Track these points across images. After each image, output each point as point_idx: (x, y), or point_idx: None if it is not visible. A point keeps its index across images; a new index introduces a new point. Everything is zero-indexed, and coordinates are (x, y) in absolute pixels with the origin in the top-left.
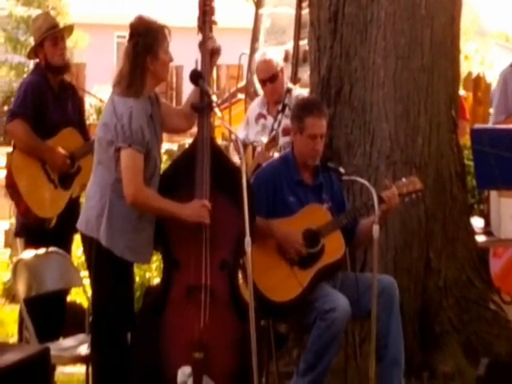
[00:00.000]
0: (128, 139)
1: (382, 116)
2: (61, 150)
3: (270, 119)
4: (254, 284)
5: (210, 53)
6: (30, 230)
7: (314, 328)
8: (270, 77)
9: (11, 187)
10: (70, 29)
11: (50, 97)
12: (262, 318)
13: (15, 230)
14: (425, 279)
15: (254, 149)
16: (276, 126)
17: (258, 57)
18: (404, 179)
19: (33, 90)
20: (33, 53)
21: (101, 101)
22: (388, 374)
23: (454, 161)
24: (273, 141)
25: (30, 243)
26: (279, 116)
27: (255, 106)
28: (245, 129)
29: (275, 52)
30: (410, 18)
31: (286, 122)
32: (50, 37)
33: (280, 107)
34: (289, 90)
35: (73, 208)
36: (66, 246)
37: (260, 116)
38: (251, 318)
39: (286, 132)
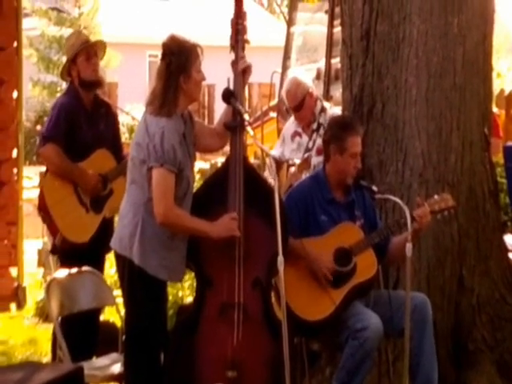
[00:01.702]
0: (160, 159)
1: (414, 134)
2: (93, 173)
3: (305, 138)
4: (287, 303)
5: (242, 71)
6: (64, 249)
7: (346, 346)
8: (295, 107)
9: (43, 211)
10: (102, 45)
11: (82, 117)
12: (295, 336)
13: (51, 247)
14: (458, 297)
15: (289, 166)
16: (311, 145)
17: (286, 82)
18: (436, 196)
19: (66, 112)
20: (66, 71)
21: (133, 118)
22: None
23: (486, 178)
24: (305, 162)
25: (64, 261)
26: (314, 135)
27: (291, 123)
28: (280, 146)
29: (303, 73)
30: (443, 37)
31: (320, 141)
32: (83, 52)
33: (315, 126)
34: (323, 109)
35: (106, 227)
36: (100, 265)
37: (296, 134)
38: (284, 336)
39: (320, 151)
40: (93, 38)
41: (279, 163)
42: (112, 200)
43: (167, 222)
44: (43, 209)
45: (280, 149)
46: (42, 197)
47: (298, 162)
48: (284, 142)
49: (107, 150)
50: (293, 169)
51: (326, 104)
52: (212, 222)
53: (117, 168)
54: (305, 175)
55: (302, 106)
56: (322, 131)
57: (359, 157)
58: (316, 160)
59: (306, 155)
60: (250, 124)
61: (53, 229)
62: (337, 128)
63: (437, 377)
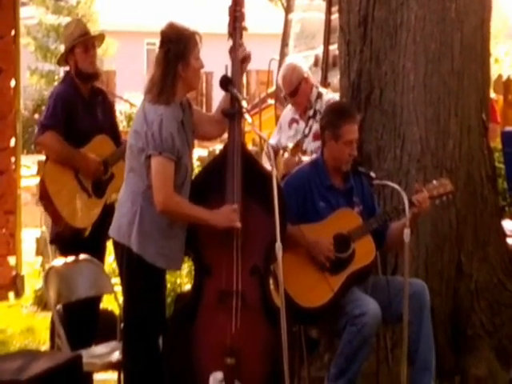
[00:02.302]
0: (158, 147)
1: (412, 120)
2: (93, 157)
3: (302, 124)
4: (285, 289)
5: (240, 59)
6: (65, 238)
7: (344, 333)
8: (290, 92)
9: (45, 199)
10: (101, 37)
11: (80, 105)
12: (294, 323)
13: (50, 237)
14: (456, 283)
15: (284, 152)
16: (307, 131)
17: (282, 68)
18: (435, 181)
19: (63, 100)
20: (63, 59)
21: (131, 105)
22: (419, 379)
23: (484, 164)
24: (297, 146)
25: (64, 251)
26: (310, 121)
27: (288, 111)
28: (277, 134)
29: (300, 59)
30: (440, 22)
31: (316, 126)
32: (82, 43)
33: (311, 113)
34: (319, 95)
35: (106, 215)
36: (100, 253)
37: (293, 121)
38: (282, 323)
39: (316, 137)
40: (91, 27)
41: (276, 151)
42: (113, 184)
43: (167, 209)
44: (45, 197)
45: (277, 136)
46: (43, 185)
47: (290, 145)
48: (281, 129)
49: (106, 135)
50: (286, 155)
51: (323, 90)
52: (212, 211)
53: (116, 152)
54: (298, 158)
55: (297, 92)
56: (318, 117)
57: (355, 144)
58: (313, 145)
59: (297, 138)
60: (248, 111)
61: (56, 217)
62: (332, 115)
63: (435, 362)
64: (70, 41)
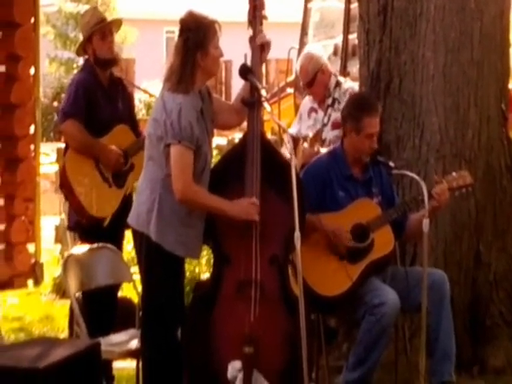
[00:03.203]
0: (177, 135)
1: (431, 109)
2: (114, 148)
3: (320, 113)
4: (304, 279)
5: (259, 47)
6: (84, 226)
7: (363, 322)
8: (307, 83)
9: (66, 188)
10: (118, 23)
11: (100, 94)
12: (312, 312)
13: (68, 224)
14: (475, 272)
15: (305, 139)
16: (326, 120)
17: (299, 57)
18: (454, 173)
19: (84, 89)
20: (81, 49)
21: (150, 95)
22: (438, 368)
23: (503, 154)
24: (317, 136)
25: (84, 238)
26: (329, 110)
27: (307, 100)
28: (298, 123)
29: (318, 49)
30: (460, 12)
31: (335, 115)
32: (99, 31)
33: (330, 101)
34: (338, 84)
35: (126, 204)
36: (119, 241)
37: (312, 110)
38: (301, 312)
39: (335, 126)
40: (109, 15)
41: (296, 140)
42: (134, 175)
43: (186, 198)
44: (66, 186)
45: (297, 126)
46: (63, 174)
47: (310, 135)
48: (301, 119)
49: (126, 125)
50: (305, 145)
51: (341, 79)
52: (231, 202)
53: (137, 143)
54: (317, 148)
55: (313, 82)
56: (336, 106)
57: (375, 137)
58: (331, 134)
59: (317, 128)
60: (267, 100)
61: (76, 206)
62: (354, 107)
63: (454, 352)
64: (87, 30)
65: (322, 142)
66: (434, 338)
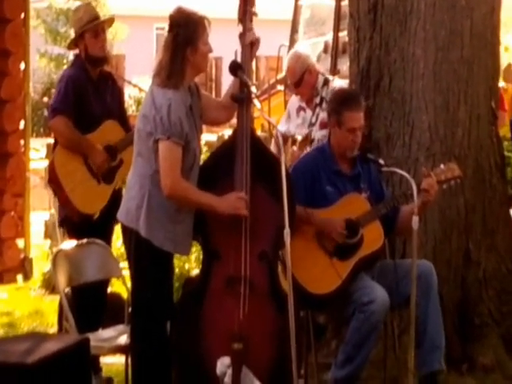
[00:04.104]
0: (167, 131)
1: (421, 107)
2: (101, 150)
3: (309, 112)
4: (293, 275)
5: (248, 43)
6: (73, 222)
7: (352, 320)
8: (294, 83)
9: (54, 183)
10: (110, 21)
11: (90, 89)
12: (301, 309)
13: (58, 220)
14: (464, 271)
15: (294, 142)
16: (314, 119)
17: (287, 57)
18: (442, 166)
19: (73, 84)
20: (73, 44)
21: (140, 90)
22: (428, 358)
23: (493, 152)
24: (306, 139)
25: (73, 234)
26: (317, 109)
27: (295, 98)
28: (286, 122)
29: (306, 48)
30: (450, 9)
31: (323, 115)
32: (91, 29)
33: (317, 100)
34: (326, 83)
35: (115, 199)
36: (108, 237)
37: (300, 109)
38: (290, 309)
39: (323, 125)
40: (100, 11)
41: (285, 138)
42: (122, 170)
43: (174, 194)
44: (54, 181)
45: (286, 125)
46: (52, 169)
47: (299, 138)
48: (290, 117)
49: (115, 120)
50: (295, 148)
51: (330, 77)
52: (219, 197)
53: (125, 138)
54: (306, 152)
55: (301, 82)
56: (324, 105)
57: (358, 132)
58: (319, 134)
59: (306, 132)
60: (257, 97)
61: (64, 201)
62: (335, 101)
63: (444, 344)
64: (80, 26)
65: (311, 142)
66: (422, 329)
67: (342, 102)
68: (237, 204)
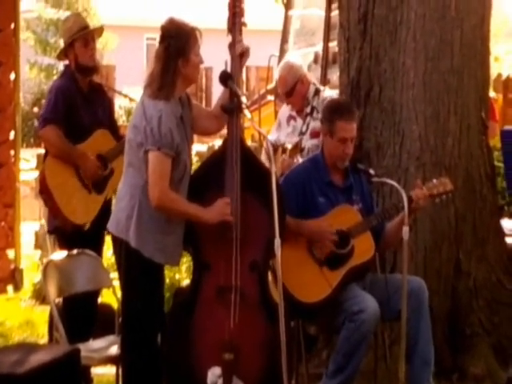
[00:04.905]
0: (157, 142)
1: (411, 117)
2: (93, 159)
3: (299, 121)
4: (284, 285)
5: (238, 54)
6: (64, 231)
7: (342, 329)
8: (286, 93)
9: (45, 194)
10: (100, 30)
11: (79, 100)
12: (292, 318)
13: (48, 228)
14: (455, 281)
15: (284, 151)
16: (304, 128)
17: (278, 67)
18: (434, 180)
19: (63, 95)
20: (63, 54)
21: (131, 100)
22: (417, 375)
23: (483, 162)
24: (296, 148)
25: (63, 243)
26: (307, 119)
27: (286, 107)
28: (277, 131)
29: (297, 58)
30: (440, 20)
31: (313, 124)
32: (81, 38)
33: (308, 110)
34: (317, 92)
35: (106, 209)
36: (99, 247)
37: (290, 118)
38: (281, 319)
39: (313, 134)
40: (90, 21)
41: (275, 147)
42: (113, 180)
43: (162, 205)
44: (45, 191)
45: (276, 133)
46: (43, 179)
47: (290, 146)
48: (280, 126)
49: (106, 130)
50: (284, 156)
51: (320, 87)
52: (206, 208)
53: (116, 147)
54: (296, 160)
55: (292, 92)
56: (315, 114)
57: (350, 143)
58: (310, 143)
59: (296, 140)
60: (248, 107)
61: (55, 212)
62: (328, 110)
63: (433, 359)
64: (70, 35)
65: (301, 151)
66: (412, 345)
67: (334, 111)
68: (222, 210)
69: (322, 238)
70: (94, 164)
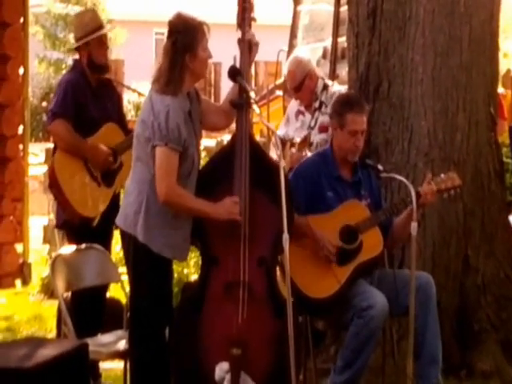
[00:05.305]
0: (164, 138)
1: (420, 113)
2: (103, 147)
3: (308, 116)
4: (292, 280)
5: (248, 48)
6: (73, 225)
7: (351, 325)
8: (294, 88)
9: (55, 188)
10: (113, 29)
11: (88, 94)
12: (300, 314)
13: (56, 223)
14: (463, 277)
15: (293, 145)
16: (313, 123)
17: (287, 62)
18: (443, 175)
19: (72, 89)
20: (75, 49)
21: (140, 94)
22: (425, 372)
23: (492, 158)
24: (304, 141)
25: (72, 238)
26: (316, 113)
27: (294, 102)
28: (285, 126)
29: (306, 53)
30: (449, 15)
31: (322, 119)
32: (97, 37)
33: (317, 104)
34: (325, 87)
35: (114, 204)
36: (107, 241)
37: (299, 113)
38: (289, 314)
39: (322, 129)
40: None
41: (283, 142)
42: (122, 174)
43: (169, 201)
44: (55, 186)
45: (284, 128)
46: (52, 173)
47: (298, 140)
48: (288, 121)
49: (115, 124)
50: (293, 150)
51: (329, 82)
52: (214, 203)
53: (125, 141)
54: (304, 153)
55: (301, 87)
56: (323, 109)
57: (360, 135)
58: (319, 137)
59: (305, 134)
60: (256, 102)
61: (65, 205)
62: (338, 104)
63: (441, 356)
64: (85, 33)
65: (310, 146)
66: (420, 342)
67: (345, 104)
68: (231, 209)
69: (322, 248)
70: (106, 154)
